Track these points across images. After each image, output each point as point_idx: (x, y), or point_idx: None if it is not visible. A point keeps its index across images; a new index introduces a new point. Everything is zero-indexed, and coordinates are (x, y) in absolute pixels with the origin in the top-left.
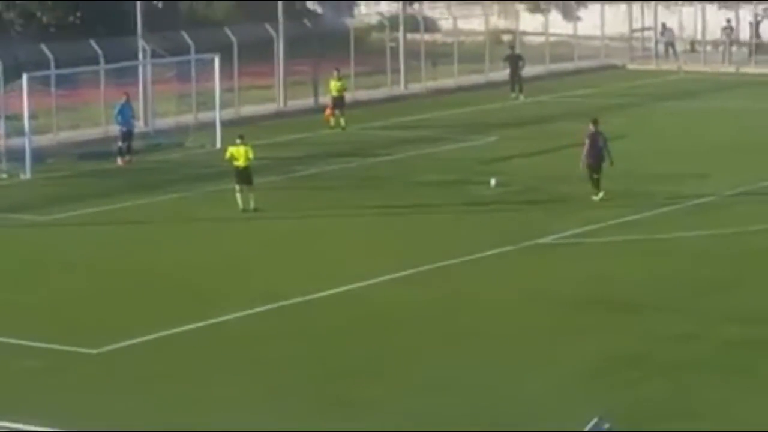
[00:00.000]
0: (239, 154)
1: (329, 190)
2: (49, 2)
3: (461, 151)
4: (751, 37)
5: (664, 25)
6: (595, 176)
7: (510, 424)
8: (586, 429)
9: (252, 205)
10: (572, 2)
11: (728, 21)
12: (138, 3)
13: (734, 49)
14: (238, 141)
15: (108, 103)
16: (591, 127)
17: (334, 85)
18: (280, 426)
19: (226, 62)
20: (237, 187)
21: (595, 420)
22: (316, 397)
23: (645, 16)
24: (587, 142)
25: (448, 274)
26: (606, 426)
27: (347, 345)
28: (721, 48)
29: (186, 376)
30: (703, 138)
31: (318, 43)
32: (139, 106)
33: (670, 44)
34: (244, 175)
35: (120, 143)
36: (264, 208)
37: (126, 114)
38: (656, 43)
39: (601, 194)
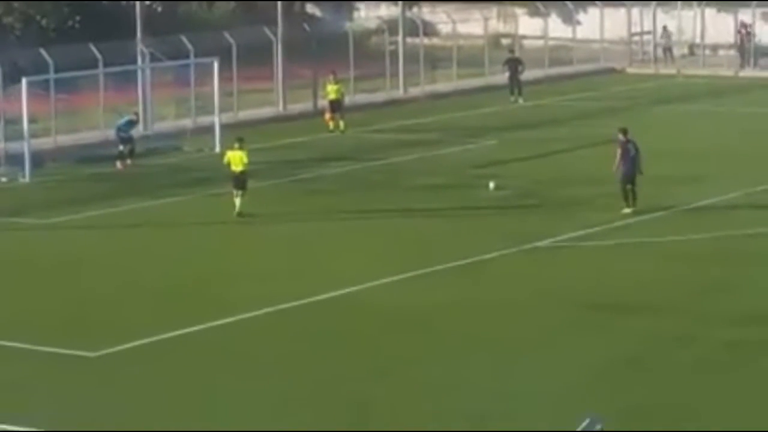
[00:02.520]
0: (235, 158)
1: (329, 194)
2: (49, 6)
3: (460, 155)
4: (741, 43)
5: (665, 28)
6: (628, 187)
7: (515, 425)
8: (579, 429)
9: (237, 209)
10: (571, 6)
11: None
12: (137, 7)
13: (732, 52)
14: (236, 145)
15: (108, 106)
16: (621, 137)
17: (330, 88)
18: (283, 428)
19: (225, 66)
20: (234, 191)
21: (587, 420)
22: (321, 399)
23: (644, 20)
24: (619, 151)
25: (448, 277)
26: (598, 426)
27: (350, 348)
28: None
29: (185, 379)
30: (701, 141)
31: (317, 47)
32: (139, 110)
33: (668, 48)
34: (240, 180)
35: (121, 147)
36: (255, 213)
37: (127, 129)
38: (655, 46)
39: (630, 209)
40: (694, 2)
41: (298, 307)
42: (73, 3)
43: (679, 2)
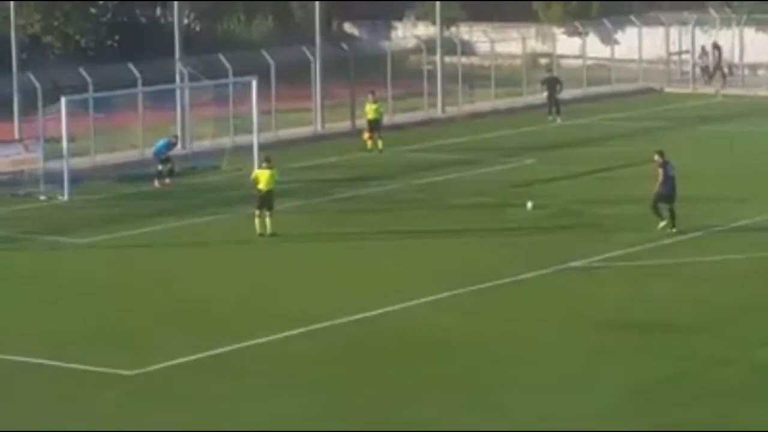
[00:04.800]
0: (263, 177)
1: (366, 213)
2: (88, 25)
3: (498, 174)
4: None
5: (703, 48)
6: (668, 206)
7: None
8: None
9: (269, 230)
10: (609, 26)
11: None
12: (176, 26)
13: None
14: (264, 164)
15: (146, 126)
16: (658, 158)
17: (369, 108)
18: None
19: (263, 85)
20: (257, 211)
21: None
22: (353, 419)
23: (682, 40)
24: (661, 172)
25: (485, 297)
26: None
27: (383, 368)
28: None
29: (219, 398)
30: (740, 161)
31: (355, 66)
32: (177, 129)
33: (705, 68)
34: (266, 200)
35: (160, 166)
36: (288, 232)
37: (165, 152)
38: (693, 66)
39: (663, 223)
40: (733, 21)
41: (332, 327)
42: (111, 22)
43: (717, 22)
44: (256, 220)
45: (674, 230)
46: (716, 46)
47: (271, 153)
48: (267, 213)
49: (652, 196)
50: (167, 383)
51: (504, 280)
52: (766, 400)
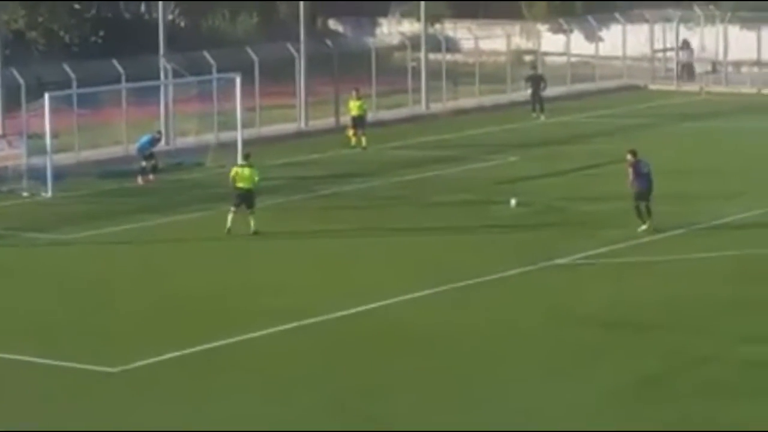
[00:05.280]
0: (243, 175)
1: (350, 210)
2: (72, 21)
3: (482, 171)
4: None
5: (685, 41)
6: (642, 204)
7: None
8: None
9: (252, 228)
10: (594, 23)
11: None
12: (160, 22)
13: (756, 69)
14: (243, 162)
15: (130, 122)
16: (630, 157)
17: (353, 104)
18: None
19: (247, 81)
20: (233, 208)
21: None
22: (344, 414)
23: (667, 37)
24: (631, 171)
25: (470, 294)
26: None
27: (367, 363)
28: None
29: (208, 394)
30: (725, 159)
31: (339, 63)
32: (161, 126)
33: (688, 65)
34: (246, 198)
35: (143, 162)
36: (273, 229)
37: (149, 148)
38: (677, 63)
39: (647, 226)
40: (717, 19)
41: (316, 323)
42: (95, 18)
43: (702, 19)
44: (229, 216)
45: (646, 227)
46: (685, 43)
47: (254, 149)
48: (248, 212)
49: (633, 197)
50: (152, 380)
51: (488, 277)
52: (751, 397)
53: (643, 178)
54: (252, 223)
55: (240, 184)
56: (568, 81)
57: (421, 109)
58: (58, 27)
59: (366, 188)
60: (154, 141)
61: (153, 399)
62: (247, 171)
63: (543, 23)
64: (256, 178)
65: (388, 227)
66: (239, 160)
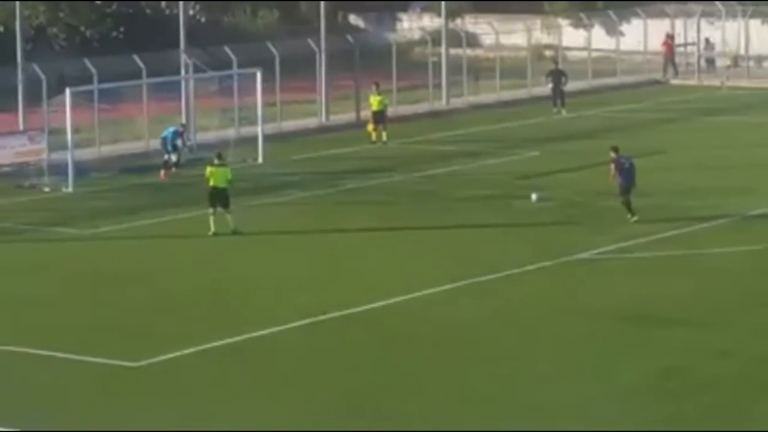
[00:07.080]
0: (217, 175)
1: (370, 205)
2: (93, 17)
3: (503, 166)
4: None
5: (707, 40)
6: (625, 197)
7: None
8: None
9: (231, 227)
10: (615, 18)
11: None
12: (181, 17)
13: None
14: (216, 161)
15: (151, 118)
16: (613, 154)
17: (373, 99)
18: None
19: (268, 77)
20: (210, 210)
21: None
22: (356, 410)
23: (688, 32)
24: (613, 167)
25: (489, 288)
26: None
27: (387, 359)
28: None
29: (223, 389)
30: (746, 153)
31: (360, 58)
32: (182, 120)
33: (710, 60)
34: (221, 197)
35: (166, 156)
36: (294, 223)
37: (173, 140)
38: (699, 58)
39: (636, 217)
40: (739, 13)
41: (338, 318)
42: (116, 13)
43: (723, 13)
44: (210, 219)
45: (636, 218)
46: (669, 36)
47: (275, 144)
48: (224, 211)
49: (617, 192)
50: (172, 375)
51: (508, 271)
52: (765, 392)
53: (625, 173)
54: (230, 221)
55: (215, 183)
56: (589, 76)
57: (442, 104)
58: (79, 23)
59: (386, 183)
60: (178, 133)
61: (177, 393)
62: (221, 170)
63: (564, 18)
64: (229, 177)
65: (408, 222)
66: (261, 156)
